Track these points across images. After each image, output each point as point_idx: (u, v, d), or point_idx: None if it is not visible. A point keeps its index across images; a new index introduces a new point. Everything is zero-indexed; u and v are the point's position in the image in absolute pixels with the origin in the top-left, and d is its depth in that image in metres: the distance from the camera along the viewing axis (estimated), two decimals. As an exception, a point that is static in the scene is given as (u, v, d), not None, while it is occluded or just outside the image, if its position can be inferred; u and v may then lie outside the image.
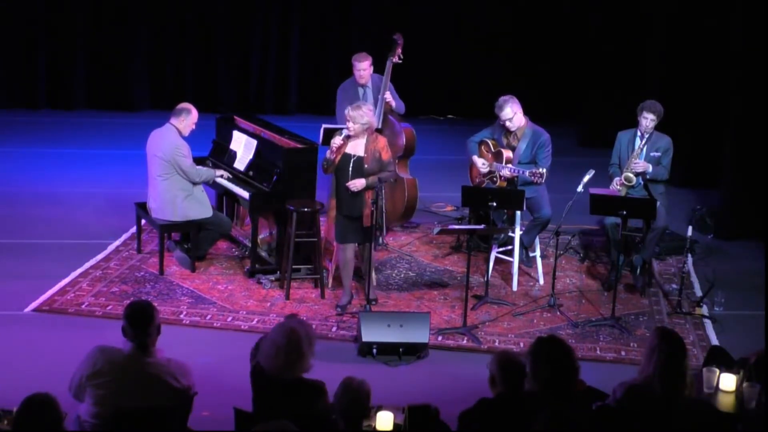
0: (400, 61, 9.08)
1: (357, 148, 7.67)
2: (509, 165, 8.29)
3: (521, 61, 14.20)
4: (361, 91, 9.27)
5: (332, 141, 7.69)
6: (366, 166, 7.61)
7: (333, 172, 7.76)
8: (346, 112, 7.72)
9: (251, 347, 5.34)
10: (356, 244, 7.84)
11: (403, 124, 9.23)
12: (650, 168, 8.28)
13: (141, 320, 4.96)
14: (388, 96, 9.05)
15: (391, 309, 7.83)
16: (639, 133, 8.40)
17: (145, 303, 5.14)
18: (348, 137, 7.65)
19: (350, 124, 7.60)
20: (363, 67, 9.16)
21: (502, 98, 8.45)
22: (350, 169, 7.63)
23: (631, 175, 8.27)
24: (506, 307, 8.06)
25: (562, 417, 4.25)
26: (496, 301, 8.12)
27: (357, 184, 7.58)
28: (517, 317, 7.91)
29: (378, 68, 9.25)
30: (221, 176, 8.62)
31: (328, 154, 7.70)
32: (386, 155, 7.69)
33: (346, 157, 7.66)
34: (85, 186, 10.74)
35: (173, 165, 8.22)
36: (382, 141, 7.76)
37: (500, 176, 8.38)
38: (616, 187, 8.33)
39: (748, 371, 5.39)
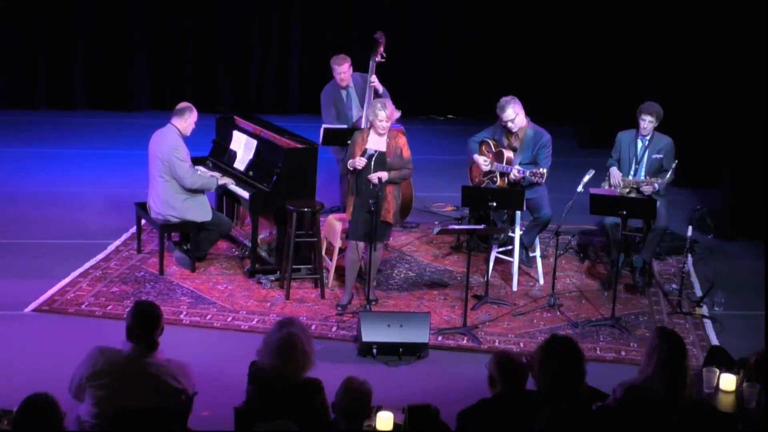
0: (383, 60, 9.06)
1: (378, 143, 7.69)
2: (517, 167, 8.26)
3: (521, 61, 14.20)
4: (344, 93, 9.27)
5: (356, 162, 7.61)
6: (389, 159, 7.65)
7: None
8: (374, 112, 7.65)
9: (253, 349, 5.29)
10: (364, 244, 7.82)
11: (393, 125, 9.21)
12: (657, 185, 8.24)
13: (151, 319, 4.97)
14: (374, 80, 9.00)
15: (391, 309, 7.83)
16: (640, 136, 8.40)
17: (152, 303, 5.15)
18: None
19: (383, 123, 7.60)
20: (342, 71, 9.18)
21: (503, 99, 8.43)
22: (372, 163, 7.64)
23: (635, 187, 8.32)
24: (506, 307, 8.06)
25: (561, 417, 4.24)
26: (496, 301, 8.12)
27: (378, 175, 7.59)
28: (517, 317, 7.91)
29: (363, 67, 9.23)
30: (225, 184, 8.53)
31: (358, 164, 7.60)
32: (407, 152, 7.75)
33: (368, 152, 7.68)
34: (85, 186, 10.74)
35: (169, 167, 8.20)
36: (402, 138, 7.80)
37: (505, 177, 8.37)
38: (616, 180, 8.31)
39: (748, 371, 5.39)
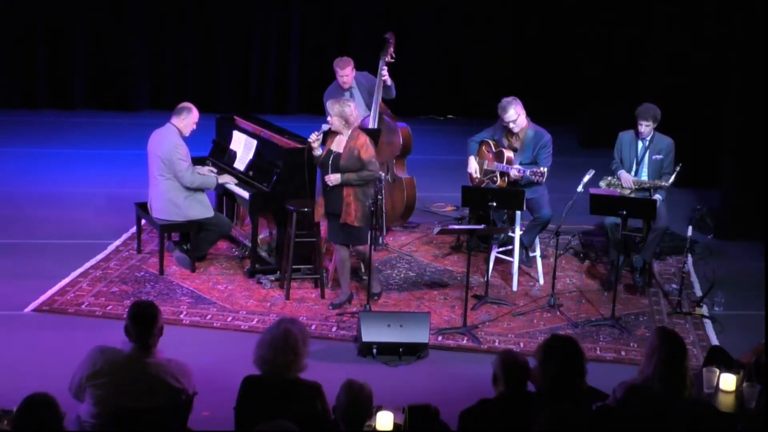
0: (393, 60, 9.06)
1: (340, 144, 7.66)
2: (516, 166, 8.26)
3: (522, 60, 14.21)
4: (347, 94, 9.26)
5: (309, 136, 7.73)
6: (341, 162, 7.60)
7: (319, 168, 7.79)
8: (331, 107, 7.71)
9: (251, 348, 5.29)
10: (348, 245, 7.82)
11: (399, 124, 9.23)
12: (661, 198, 8.28)
13: (145, 320, 4.96)
14: (386, 74, 8.99)
15: (391, 309, 7.83)
16: (640, 137, 8.39)
17: (149, 303, 5.14)
18: (327, 132, 7.69)
19: (329, 118, 7.63)
20: (345, 74, 9.10)
21: (505, 100, 8.43)
22: (329, 164, 7.64)
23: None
24: (506, 307, 8.06)
25: (562, 417, 4.24)
26: (496, 301, 8.12)
27: (331, 178, 7.57)
28: (517, 317, 7.90)
29: (372, 68, 9.22)
30: (225, 183, 8.57)
31: (312, 138, 7.72)
32: (365, 154, 7.57)
33: (329, 153, 7.67)
34: (85, 186, 10.74)
35: (169, 165, 8.21)
36: (362, 139, 7.64)
37: (504, 176, 8.37)
38: (629, 183, 8.30)
39: (748, 371, 5.40)
